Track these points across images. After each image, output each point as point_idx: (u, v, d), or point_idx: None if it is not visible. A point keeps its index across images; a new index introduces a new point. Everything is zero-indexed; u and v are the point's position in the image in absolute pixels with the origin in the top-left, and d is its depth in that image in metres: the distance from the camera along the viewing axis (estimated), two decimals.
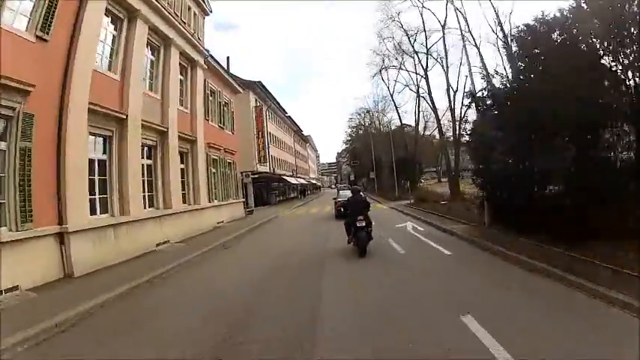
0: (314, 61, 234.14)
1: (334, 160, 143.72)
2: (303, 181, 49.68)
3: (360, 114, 47.74)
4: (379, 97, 56.34)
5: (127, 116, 9.46)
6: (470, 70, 22.44)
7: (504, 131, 8.11)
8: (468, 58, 24.82)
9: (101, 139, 9.08)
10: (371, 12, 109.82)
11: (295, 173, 48.90)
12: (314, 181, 70.00)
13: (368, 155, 44.18)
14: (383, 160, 36.80)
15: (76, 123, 7.54)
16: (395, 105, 33.06)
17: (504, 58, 12.79)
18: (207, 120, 16.66)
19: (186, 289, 6.36)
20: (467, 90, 20.80)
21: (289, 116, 51.04)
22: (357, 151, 55.22)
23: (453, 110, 23.45)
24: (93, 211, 8.41)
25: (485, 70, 18.38)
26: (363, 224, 7.81)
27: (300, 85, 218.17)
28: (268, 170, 33.77)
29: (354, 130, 53.68)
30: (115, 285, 6.15)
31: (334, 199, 18.93)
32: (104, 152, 9.16)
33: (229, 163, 19.65)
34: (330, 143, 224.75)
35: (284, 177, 36.19)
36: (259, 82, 31.77)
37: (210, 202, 16.07)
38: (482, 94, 9.81)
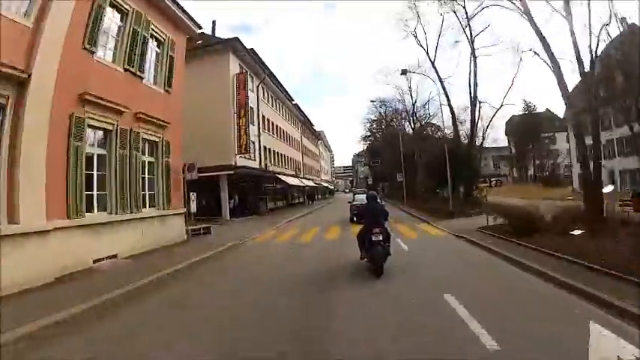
0: (328, 68, 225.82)
1: (350, 164, 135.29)
2: (311, 183, 40.47)
3: (382, 104, 38.43)
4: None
5: None
6: None
7: None
8: None
9: None
10: None
11: (301, 173, 39.65)
12: (326, 184, 60.58)
13: (391, 154, 34.76)
14: (414, 158, 27.42)
15: None
16: (437, 72, 22.36)
17: None
18: (87, 49, 7.87)
19: None
20: None
21: (296, 104, 42.16)
22: (377, 148, 45.66)
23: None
24: None
25: None
26: (380, 238, 6.29)
27: (314, 92, 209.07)
28: (258, 167, 24.77)
29: (375, 124, 44.11)
30: None
31: (349, 202, 18.71)
32: None
33: (151, 142, 10.75)
34: (346, 147, 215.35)
35: (281, 177, 26.84)
36: (237, 38, 22.74)
37: (76, 214, 7.22)
38: None
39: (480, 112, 19.37)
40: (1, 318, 3.96)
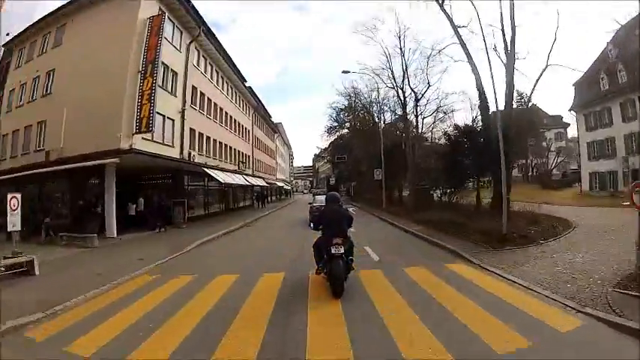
0: (293, 69, 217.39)
1: (311, 164, 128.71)
2: (260, 182, 33.00)
3: (352, 92, 31.75)
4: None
5: None
6: None
7: None
8: None
9: None
10: None
11: (248, 169, 32.20)
12: (282, 184, 53.20)
13: (363, 148, 28.53)
14: (394, 152, 21.06)
15: None
16: (448, 16, 14.77)
17: None
18: None
19: None
20: None
21: (250, 87, 34.69)
22: (344, 142, 39.28)
23: None
24: None
25: None
26: (341, 250, 5.28)
27: (277, 93, 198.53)
28: (179, 156, 17.17)
29: (343, 113, 36.86)
30: None
31: (310, 204, 17.92)
32: None
33: None
34: (307, 147, 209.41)
35: (212, 172, 19.07)
36: None
37: None
38: None
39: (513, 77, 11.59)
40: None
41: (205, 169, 17.09)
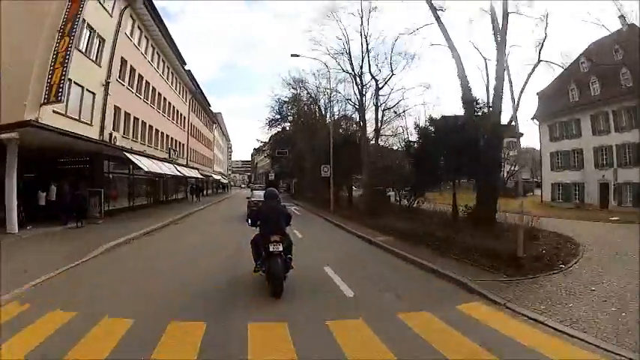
0: (239, 64, 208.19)
1: (249, 159, 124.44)
2: (194, 173, 30.33)
3: (298, 83, 30.62)
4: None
5: None
6: None
7: None
8: None
9: None
10: None
11: (181, 159, 29.55)
12: (219, 177, 50.23)
13: (307, 143, 27.71)
14: (346, 147, 19.98)
15: None
16: None
17: None
18: None
19: None
20: None
21: (189, 71, 31.79)
22: (286, 136, 38.12)
23: None
24: None
25: None
26: (280, 248, 5.12)
27: (219, 86, 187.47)
28: (99, 137, 14.62)
29: (287, 105, 35.50)
30: None
31: (248, 198, 18.11)
32: None
33: None
34: (246, 142, 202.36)
35: (134, 158, 16.38)
36: None
37: None
38: None
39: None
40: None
41: (127, 154, 14.74)
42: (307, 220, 16.82)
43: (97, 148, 13.96)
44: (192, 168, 31.17)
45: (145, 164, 16.02)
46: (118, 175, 16.85)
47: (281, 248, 5.12)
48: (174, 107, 27.37)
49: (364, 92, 19.89)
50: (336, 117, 25.06)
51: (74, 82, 13.21)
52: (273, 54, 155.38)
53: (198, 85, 36.19)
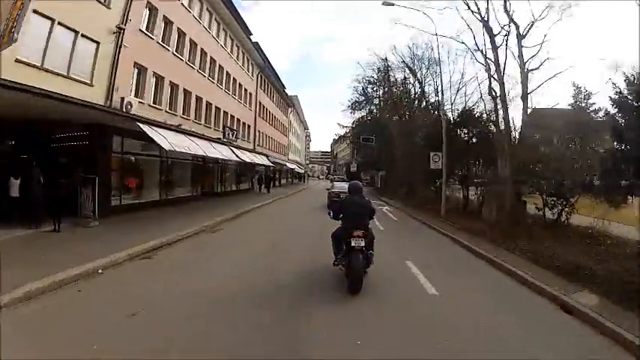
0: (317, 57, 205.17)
1: (329, 150, 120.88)
2: (261, 160, 25.96)
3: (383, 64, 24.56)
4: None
5: None
6: None
7: None
8: None
9: None
10: None
11: (242, 139, 25.39)
12: (294, 166, 46.06)
13: (400, 129, 21.23)
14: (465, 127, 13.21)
15: None
16: None
17: None
18: None
19: None
20: None
21: (257, 42, 27.47)
22: (370, 124, 31.89)
23: None
24: None
25: None
26: (362, 244, 4.96)
27: (298, 79, 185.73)
28: (105, 102, 10.37)
29: (372, 86, 29.80)
30: None
31: (328, 189, 17.76)
32: None
33: None
34: (324, 133, 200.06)
35: (154, 130, 10.73)
36: None
37: None
38: None
39: None
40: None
41: (140, 125, 10.06)
42: (412, 232, 11.08)
43: (94, 116, 9.59)
44: (260, 154, 26.95)
45: (173, 142, 11.34)
46: (141, 157, 12.65)
47: (363, 244, 4.94)
48: (235, 80, 23.08)
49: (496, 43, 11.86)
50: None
51: (58, 23, 9.02)
52: (350, 43, 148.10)
53: (268, 61, 31.98)
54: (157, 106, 13.60)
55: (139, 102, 11.97)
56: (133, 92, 12.17)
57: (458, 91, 18.77)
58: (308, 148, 77.94)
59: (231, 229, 10.27)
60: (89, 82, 10.08)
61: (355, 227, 4.99)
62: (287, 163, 40.22)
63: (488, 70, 12.21)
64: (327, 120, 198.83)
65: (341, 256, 5.14)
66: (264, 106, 31.11)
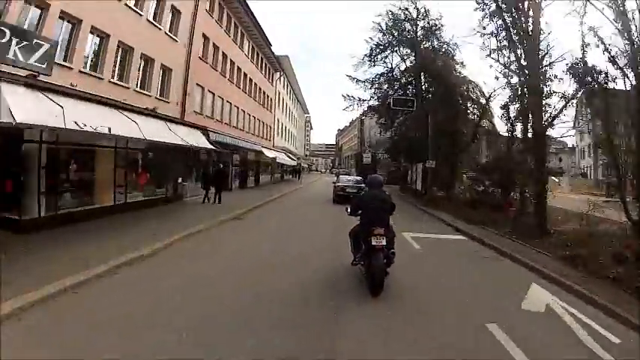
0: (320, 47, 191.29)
1: (333, 142, 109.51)
2: (198, 140, 12.95)
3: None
4: None
5: None
6: None
7: None
8: None
9: None
10: None
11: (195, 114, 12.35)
12: (282, 156, 32.44)
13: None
14: None
15: None
16: None
17: None
18: None
19: None
20: None
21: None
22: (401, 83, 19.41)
23: None
24: None
25: None
26: (383, 242, 4.75)
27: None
28: None
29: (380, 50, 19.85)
30: None
31: (334, 183, 17.42)
32: None
33: None
34: (327, 126, 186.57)
35: None
36: None
37: None
38: None
39: None
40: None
41: None
42: None
43: None
44: (193, 127, 14.18)
45: None
46: None
47: (384, 242, 4.76)
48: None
49: None
50: None
51: None
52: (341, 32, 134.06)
53: (265, 35, 19.21)
54: None
55: None
56: None
57: None
58: (308, 136, 64.69)
59: None
60: None
61: (376, 224, 4.77)
62: (269, 153, 26.79)
63: None
64: (330, 109, 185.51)
65: (360, 256, 5.04)
66: (217, 47, 18.16)
